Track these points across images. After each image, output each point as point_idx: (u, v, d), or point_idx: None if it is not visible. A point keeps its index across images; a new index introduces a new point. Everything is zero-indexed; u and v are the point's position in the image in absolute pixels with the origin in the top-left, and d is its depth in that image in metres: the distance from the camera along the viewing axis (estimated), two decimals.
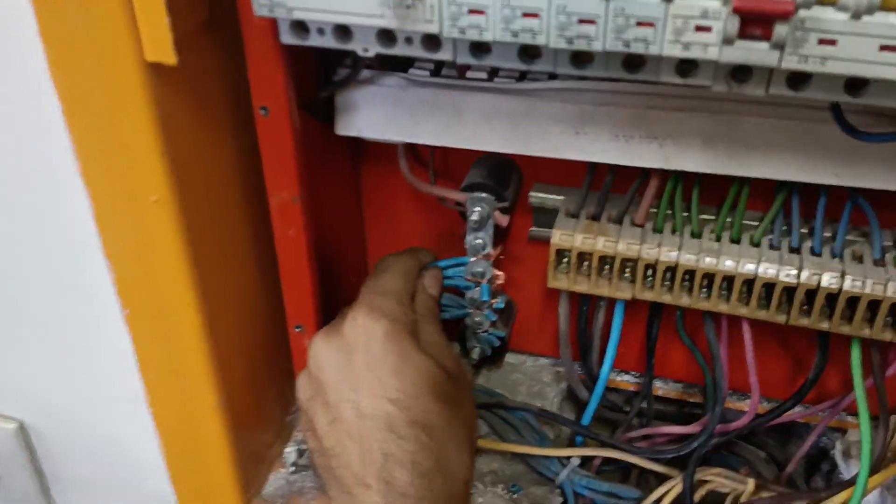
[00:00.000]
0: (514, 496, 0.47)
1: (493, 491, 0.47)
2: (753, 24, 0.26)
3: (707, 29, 0.27)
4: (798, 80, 0.29)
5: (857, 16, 0.26)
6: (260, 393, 0.47)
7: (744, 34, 0.27)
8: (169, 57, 0.31)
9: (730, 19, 0.27)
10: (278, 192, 0.39)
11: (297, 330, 0.44)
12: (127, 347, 0.42)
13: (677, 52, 0.28)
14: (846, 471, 0.48)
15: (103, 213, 0.37)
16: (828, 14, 0.26)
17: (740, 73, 0.29)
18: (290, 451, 0.50)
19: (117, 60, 0.32)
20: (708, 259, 0.40)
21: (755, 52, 0.27)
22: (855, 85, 0.29)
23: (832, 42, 0.26)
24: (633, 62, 0.30)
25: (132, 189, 0.35)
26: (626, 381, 0.52)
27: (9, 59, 0.34)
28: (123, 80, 0.32)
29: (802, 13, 0.26)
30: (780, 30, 0.26)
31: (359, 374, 0.37)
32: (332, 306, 0.44)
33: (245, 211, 0.41)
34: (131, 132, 0.33)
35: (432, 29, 0.30)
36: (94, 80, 0.33)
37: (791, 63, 0.27)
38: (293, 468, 0.49)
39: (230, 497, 0.46)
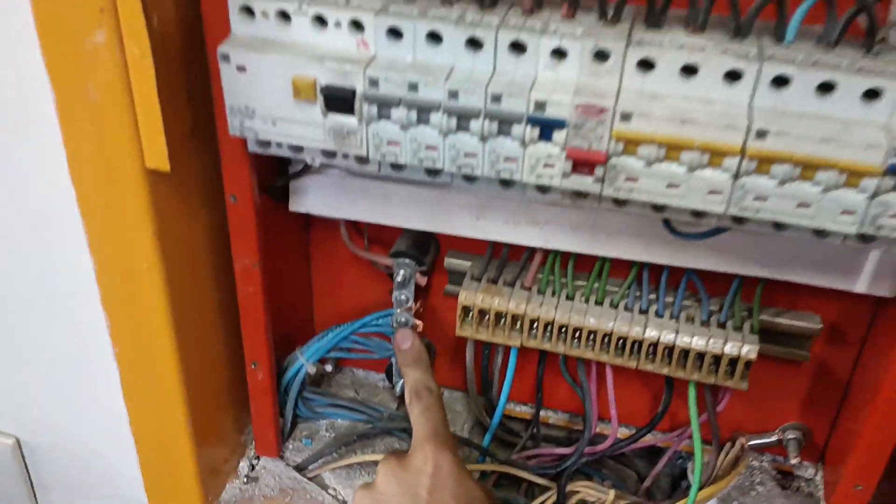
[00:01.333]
0: None
1: None
2: (581, 165, 0.37)
3: (551, 165, 0.38)
4: (619, 201, 0.40)
5: (649, 164, 0.37)
6: (221, 417, 0.57)
7: (575, 171, 0.38)
8: (164, 165, 0.41)
9: (566, 161, 0.37)
10: (241, 259, 0.49)
11: (252, 366, 0.54)
12: (114, 378, 0.51)
13: (532, 179, 0.39)
14: None
15: (104, 273, 0.46)
16: (630, 161, 0.37)
17: (579, 194, 0.40)
18: (243, 465, 0.59)
19: (124, 166, 0.41)
20: (576, 318, 0.51)
21: (584, 184, 0.38)
22: (657, 207, 0.40)
23: (635, 179, 0.37)
24: (506, 183, 0.41)
25: (129, 258, 0.45)
26: (523, 411, 0.63)
27: (37, 158, 0.44)
28: (128, 181, 0.42)
29: (613, 160, 0.37)
30: (599, 170, 0.37)
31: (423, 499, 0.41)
32: (282, 348, 0.53)
33: (215, 273, 0.51)
34: (132, 218, 0.43)
35: (361, 153, 0.40)
36: (104, 179, 0.42)
37: (609, 192, 0.38)
38: (245, 479, 0.58)
39: (193, 502, 0.55)
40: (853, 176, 0.35)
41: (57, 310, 0.50)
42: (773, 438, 0.58)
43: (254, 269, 0.49)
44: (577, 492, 0.56)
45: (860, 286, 0.47)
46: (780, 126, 0.35)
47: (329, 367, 0.62)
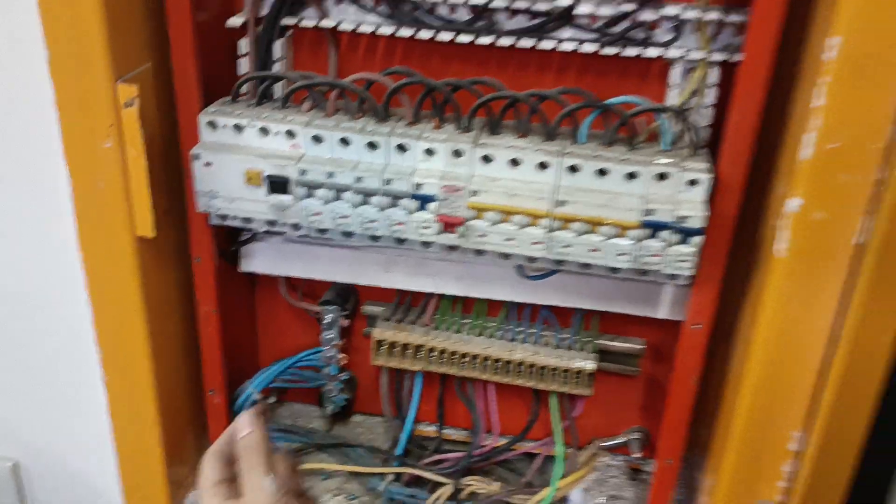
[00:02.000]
0: (352, 502, 0.71)
1: (336, 500, 0.71)
2: (447, 226, 0.54)
3: (428, 227, 0.54)
4: (477, 251, 0.57)
5: (493, 224, 0.54)
6: (185, 437, 0.70)
7: (445, 231, 0.54)
8: (150, 232, 0.56)
9: (437, 224, 0.54)
10: (203, 306, 0.64)
11: (210, 393, 0.68)
12: (102, 405, 0.64)
13: (416, 237, 0.55)
14: None
15: (100, 315, 0.60)
16: (480, 223, 0.54)
17: (451, 247, 0.57)
18: None
19: (120, 233, 0.56)
20: (463, 346, 0.67)
21: (450, 239, 0.55)
22: (503, 255, 0.57)
23: (484, 235, 0.54)
24: (399, 241, 0.57)
25: (120, 303, 0.59)
26: (431, 430, 0.77)
27: (55, 227, 0.58)
28: (122, 244, 0.56)
29: (469, 223, 0.54)
30: (460, 230, 0.54)
31: None
32: (233, 381, 0.68)
33: (182, 317, 0.65)
34: (124, 272, 0.58)
35: (295, 222, 0.56)
36: (104, 243, 0.57)
37: (467, 245, 0.55)
38: None
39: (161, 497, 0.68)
40: (623, 229, 0.52)
41: (55, 347, 0.64)
42: (621, 440, 0.74)
43: (212, 315, 0.64)
44: (470, 484, 0.70)
45: (661, 313, 0.64)
46: (575, 197, 0.52)
47: (272, 399, 0.76)
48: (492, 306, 0.69)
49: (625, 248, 0.52)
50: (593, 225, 0.52)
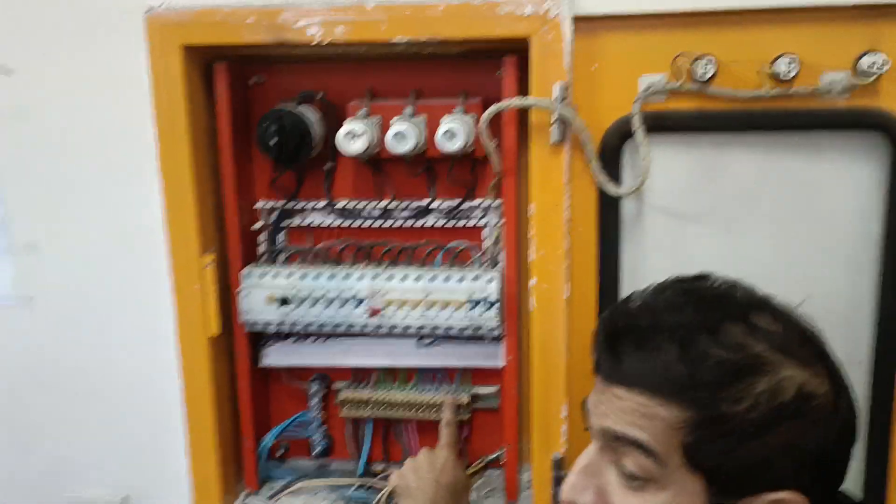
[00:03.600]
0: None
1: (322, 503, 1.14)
2: (373, 312, 1.03)
3: (362, 315, 1.04)
4: (391, 327, 1.05)
5: (396, 308, 1.03)
6: (229, 469, 1.13)
7: (372, 316, 1.03)
8: (216, 332, 1.05)
9: (367, 313, 1.03)
10: (241, 382, 1.11)
11: (245, 440, 1.13)
12: (181, 449, 1.08)
13: (358, 321, 1.04)
14: None
15: (188, 390, 1.07)
16: (390, 309, 1.03)
17: (377, 326, 1.06)
18: (241, 498, 1.14)
19: (200, 333, 1.05)
20: (394, 398, 1.13)
21: (375, 320, 1.04)
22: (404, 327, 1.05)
23: (392, 316, 1.03)
24: (350, 325, 1.06)
25: (198, 381, 1.06)
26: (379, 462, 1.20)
27: (158, 325, 1.06)
28: (201, 339, 1.05)
29: (383, 311, 1.03)
30: (379, 315, 1.03)
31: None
32: (257, 432, 1.13)
33: (230, 390, 1.12)
34: (201, 359, 1.05)
35: (293, 321, 1.05)
36: (191, 336, 1.05)
37: (384, 321, 1.04)
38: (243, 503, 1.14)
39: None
40: (460, 305, 1.02)
41: (154, 412, 1.09)
42: (496, 455, 1.18)
43: (246, 388, 1.11)
44: None
45: (501, 363, 1.11)
46: (434, 293, 1.02)
47: (282, 450, 1.20)
48: (409, 376, 1.16)
49: (463, 315, 1.02)
50: (445, 305, 1.02)
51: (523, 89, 0.93)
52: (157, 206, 1.01)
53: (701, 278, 0.65)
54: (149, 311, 1.05)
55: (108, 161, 1.03)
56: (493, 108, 0.91)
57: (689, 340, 0.59)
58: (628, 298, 0.66)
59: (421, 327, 1.04)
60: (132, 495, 1.13)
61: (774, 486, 0.59)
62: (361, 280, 1.04)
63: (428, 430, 1.16)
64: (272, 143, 0.98)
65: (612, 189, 0.91)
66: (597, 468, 0.64)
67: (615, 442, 0.62)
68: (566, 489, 0.65)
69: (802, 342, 0.62)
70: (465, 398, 1.12)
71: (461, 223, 1.08)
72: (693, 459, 0.59)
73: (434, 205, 1.07)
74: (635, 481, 0.62)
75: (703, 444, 0.59)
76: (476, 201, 1.07)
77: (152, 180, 1.00)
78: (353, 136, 0.98)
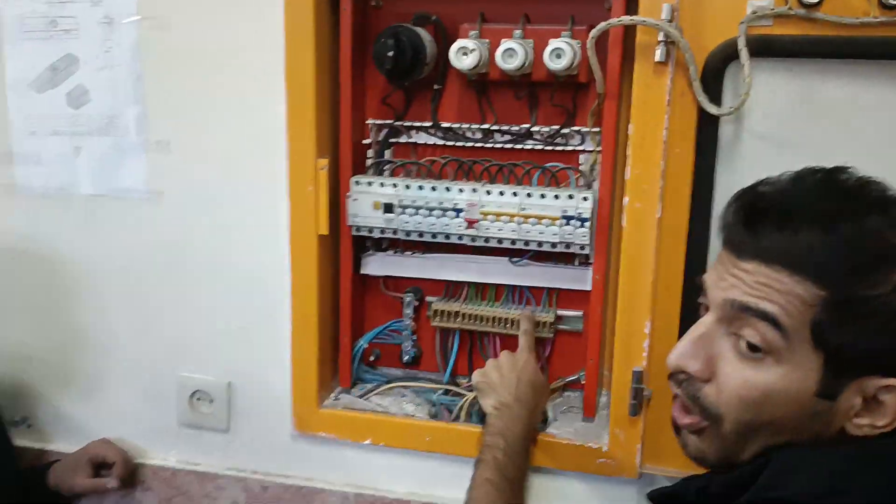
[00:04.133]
0: (419, 406, 1.20)
1: (410, 405, 1.20)
2: (470, 223, 1.09)
3: (460, 225, 1.10)
4: (485, 238, 1.11)
5: (491, 222, 1.09)
6: (326, 362, 1.21)
7: (469, 227, 1.09)
8: (325, 231, 1.13)
9: (464, 223, 1.09)
10: (343, 283, 1.19)
11: (342, 337, 1.20)
12: (287, 341, 1.17)
13: (455, 231, 1.10)
14: None
15: (296, 284, 1.15)
16: (484, 222, 1.09)
17: (472, 238, 1.11)
18: (334, 393, 1.22)
19: (310, 231, 1.13)
20: (481, 312, 1.19)
21: (471, 231, 1.10)
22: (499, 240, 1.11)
23: (488, 228, 1.09)
24: (447, 236, 1.12)
25: (306, 277, 1.14)
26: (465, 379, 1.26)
27: (274, 227, 1.15)
28: (311, 238, 1.13)
29: (480, 222, 1.09)
30: (476, 225, 1.09)
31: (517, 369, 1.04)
32: (352, 336, 1.21)
33: (332, 292, 1.20)
34: (309, 256, 1.13)
35: (395, 227, 1.12)
36: (301, 237, 1.13)
37: (479, 233, 1.09)
38: (335, 398, 1.22)
39: (313, 406, 1.18)
40: (553, 220, 1.06)
41: (263, 303, 1.18)
42: (575, 377, 1.23)
43: (348, 289, 1.19)
44: None
45: (587, 286, 1.16)
46: (529, 208, 1.07)
47: (373, 357, 1.28)
48: (498, 294, 1.22)
49: (555, 230, 1.07)
50: (539, 220, 1.07)
51: (631, 14, 0.97)
52: (280, 113, 1.09)
53: (838, 170, 0.67)
54: (266, 209, 1.13)
55: (239, 70, 1.12)
56: (602, 25, 0.95)
57: (833, 225, 0.62)
58: (762, 182, 0.69)
59: (514, 241, 1.09)
60: (235, 382, 1.22)
61: (888, 373, 0.62)
62: (461, 192, 1.10)
63: (511, 346, 1.21)
64: (389, 55, 1.04)
65: (712, 108, 0.94)
66: (710, 339, 0.68)
67: (740, 313, 0.65)
68: (674, 355, 0.69)
69: None
70: (549, 317, 1.16)
71: (559, 148, 1.12)
72: (819, 338, 0.62)
73: (534, 129, 1.12)
74: (755, 353, 0.65)
75: (833, 324, 0.61)
76: (575, 128, 1.11)
77: (278, 90, 1.09)
78: (464, 52, 1.03)
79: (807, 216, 0.63)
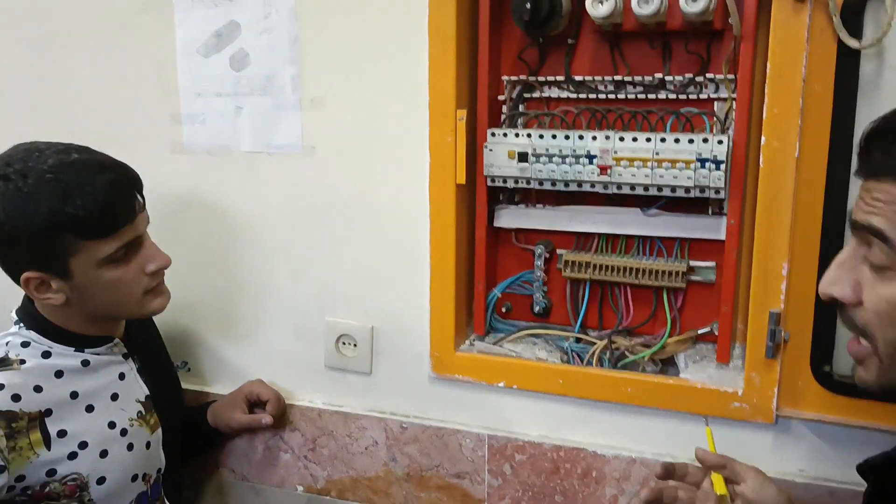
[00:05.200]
0: (551, 353, 1.23)
1: (542, 351, 1.24)
2: (603, 170, 1.12)
3: (593, 172, 1.13)
4: (617, 185, 1.13)
5: (625, 167, 1.11)
6: (462, 307, 1.26)
7: (602, 174, 1.12)
8: (462, 181, 1.18)
9: (597, 169, 1.12)
10: (479, 231, 1.24)
11: (477, 283, 1.26)
12: (426, 288, 1.23)
13: (588, 177, 1.13)
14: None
15: (435, 232, 1.21)
16: (618, 168, 1.11)
17: (604, 185, 1.14)
18: (469, 340, 1.28)
19: (449, 181, 1.19)
20: (613, 262, 1.22)
21: (604, 178, 1.12)
22: (632, 186, 1.13)
23: (621, 175, 1.12)
24: (580, 184, 1.15)
25: (444, 224, 1.20)
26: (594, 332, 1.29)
27: (415, 177, 1.21)
28: (450, 186, 1.19)
29: (613, 168, 1.11)
30: (609, 172, 1.12)
31: None
32: (487, 285, 1.26)
33: (468, 239, 1.25)
34: (449, 205, 1.19)
35: (529, 175, 1.17)
36: (440, 187, 1.20)
37: (612, 180, 1.12)
38: (470, 343, 1.27)
39: (450, 350, 1.24)
40: (687, 164, 1.08)
41: (403, 250, 1.25)
42: (708, 329, 1.23)
43: (483, 237, 1.24)
44: (614, 342, 1.22)
45: (721, 235, 1.16)
46: (663, 153, 1.09)
47: (504, 309, 1.32)
48: (628, 246, 1.23)
49: (689, 174, 1.08)
50: (672, 164, 1.09)
51: None
52: (423, 68, 1.16)
53: None
54: (409, 160, 1.20)
55: (384, 28, 1.19)
56: None
57: None
58: (892, 111, 0.70)
59: (647, 187, 1.11)
60: (378, 326, 1.30)
61: None
62: (594, 140, 1.13)
63: (642, 298, 1.23)
64: (527, 6, 1.09)
65: (853, 43, 0.93)
66: (852, 263, 0.69)
67: (859, 232, 0.67)
68: (824, 283, 0.71)
69: None
70: (681, 267, 1.17)
71: (693, 97, 1.13)
72: None
73: (668, 78, 1.14)
74: (883, 271, 0.66)
75: None
76: (710, 75, 1.12)
77: (422, 45, 1.15)
78: (600, 1, 1.07)
79: None
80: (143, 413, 1.18)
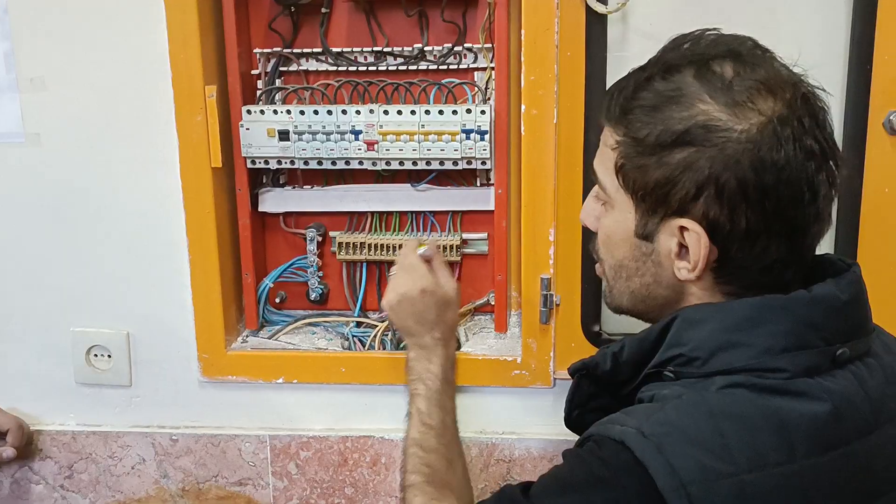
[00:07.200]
0: (330, 341, 1.16)
1: (322, 340, 1.17)
2: (370, 145, 1.06)
3: (360, 148, 1.07)
4: (385, 161, 1.08)
5: (391, 142, 1.06)
6: (230, 302, 1.16)
7: (368, 150, 1.06)
8: (218, 164, 1.07)
9: (364, 145, 1.06)
10: (242, 220, 1.13)
11: (245, 276, 1.15)
12: (188, 286, 1.11)
13: (354, 154, 1.07)
14: None
15: (190, 222, 1.09)
16: (384, 143, 1.06)
17: (372, 161, 1.09)
18: (241, 335, 1.17)
19: (204, 165, 1.07)
20: (388, 241, 1.17)
21: (371, 154, 1.07)
22: (401, 162, 1.08)
23: (388, 150, 1.06)
24: (347, 162, 1.09)
25: (200, 211, 1.08)
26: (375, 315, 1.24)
27: (162, 162, 1.08)
28: (204, 171, 1.07)
29: (379, 143, 1.06)
30: (375, 147, 1.06)
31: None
32: (256, 276, 1.16)
33: (231, 227, 1.14)
34: (204, 190, 1.07)
35: (291, 155, 1.08)
36: (193, 171, 1.08)
37: (379, 155, 1.07)
38: (242, 340, 1.16)
39: (220, 350, 1.13)
40: (453, 136, 1.05)
41: (158, 245, 1.11)
42: (484, 300, 1.22)
43: (247, 225, 1.13)
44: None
45: (490, 206, 1.15)
46: (428, 125, 1.05)
47: (278, 300, 1.23)
48: (402, 223, 1.19)
49: (455, 146, 1.05)
50: (438, 137, 1.05)
51: None
52: (162, 38, 1.03)
53: (706, 30, 0.68)
54: (154, 143, 1.07)
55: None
56: None
57: (643, 80, 0.67)
58: None
59: (415, 161, 1.07)
60: (134, 332, 1.15)
61: (683, 212, 0.65)
62: (358, 114, 1.07)
63: None
64: None
65: (599, 7, 0.94)
66: (595, 199, 0.76)
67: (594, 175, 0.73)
68: (581, 214, 0.78)
69: (753, 90, 0.63)
70: (455, 240, 1.15)
71: (452, 67, 1.11)
72: (623, 180, 0.68)
73: (427, 49, 1.10)
74: (605, 205, 0.72)
75: (626, 164, 0.67)
76: (468, 44, 1.10)
77: (159, 15, 1.02)
78: None
79: (631, 77, 0.68)
80: None
